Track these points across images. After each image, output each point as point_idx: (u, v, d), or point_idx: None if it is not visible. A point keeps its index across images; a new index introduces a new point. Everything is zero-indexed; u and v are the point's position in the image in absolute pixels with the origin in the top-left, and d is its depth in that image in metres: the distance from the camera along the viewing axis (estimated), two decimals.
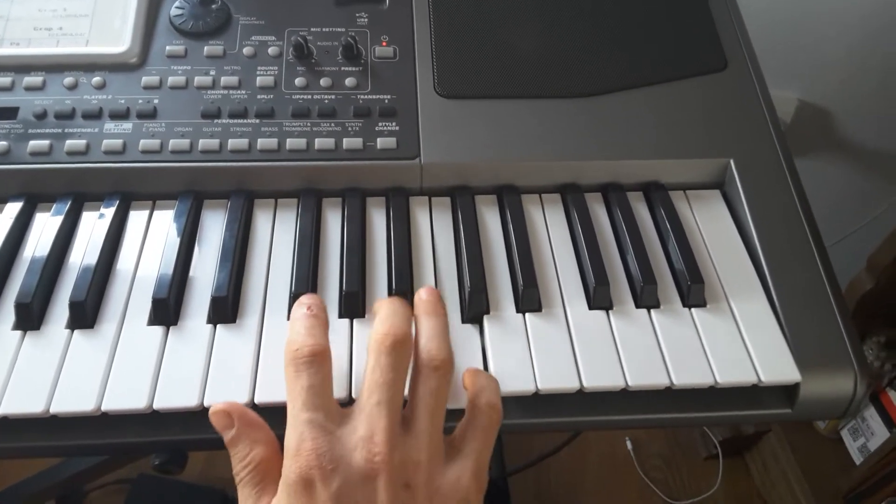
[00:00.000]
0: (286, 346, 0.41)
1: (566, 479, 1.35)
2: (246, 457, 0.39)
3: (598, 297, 0.52)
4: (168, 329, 0.48)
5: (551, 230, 0.57)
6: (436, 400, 0.40)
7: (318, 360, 0.40)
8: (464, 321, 0.51)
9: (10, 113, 0.56)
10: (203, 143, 0.55)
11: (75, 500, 1.24)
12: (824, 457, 1.27)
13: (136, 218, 0.55)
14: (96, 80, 0.58)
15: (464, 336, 0.50)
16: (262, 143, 0.56)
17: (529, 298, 0.51)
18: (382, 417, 0.38)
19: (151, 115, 0.57)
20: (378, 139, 0.57)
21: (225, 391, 0.45)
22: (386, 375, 0.40)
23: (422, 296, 0.46)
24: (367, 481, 0.36)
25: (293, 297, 0.50)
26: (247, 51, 0.61)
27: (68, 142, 0.55)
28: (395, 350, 0.40)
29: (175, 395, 0.45)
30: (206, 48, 0.60)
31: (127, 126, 0.56)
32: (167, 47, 0.60)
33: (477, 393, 0.42)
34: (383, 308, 0.43)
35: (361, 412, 0.39)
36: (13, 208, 0.54)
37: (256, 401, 0.45)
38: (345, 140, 0.57)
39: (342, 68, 0.61)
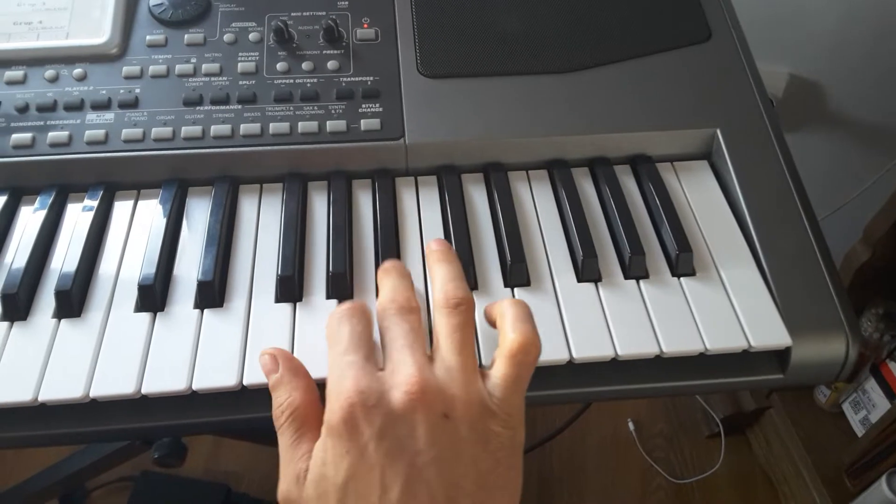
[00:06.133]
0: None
1: (568, 461, 1.35)
2: (285, 401, 0.40)
3: (587, 270, 0.52)
4: (155, 315, 0.48)
5: (539, 205, 0.57)
6: (461, 335, 0.40)
7: (358, 311, 0.42)
8: None
9: None
10: (186, 130, 0.55)
11: (78, 498, 1.24)
12: (826, 430, 1.27)
13: (121, 207, 0.55)
14: (77, 71, 0.58)
15: None
16: (244, 128, 0.56)
17: (518, 273, 0.51)
18: (410, 356, 0.38)
19: (133, 104, 0.56)
20: (362, 121, 0.57)
21: (213, 374, 0.45)
22: (403, 326, 0.40)
23: (432, 247, 0.47)
24: (407, 416, 0.36)
25: (279, 281, 0.50)
26: (227, 37, 0.60)
27: (51, 134, 0.55)
28: (403, 312, 0.41)
29: (163, 380, 0.45)
30: (186, 36, 0.60)
31: (109, 116, 0.56)
32: (147, 37, 0.60)
33: (499, 317, 0.42)
34: (385, 283, 0.44)
35: (391, 359, 0.39)
36: None
37: (245, 383, 0.45)
38: (328, 123, 0.56)
39: (324, 51, 0.60)
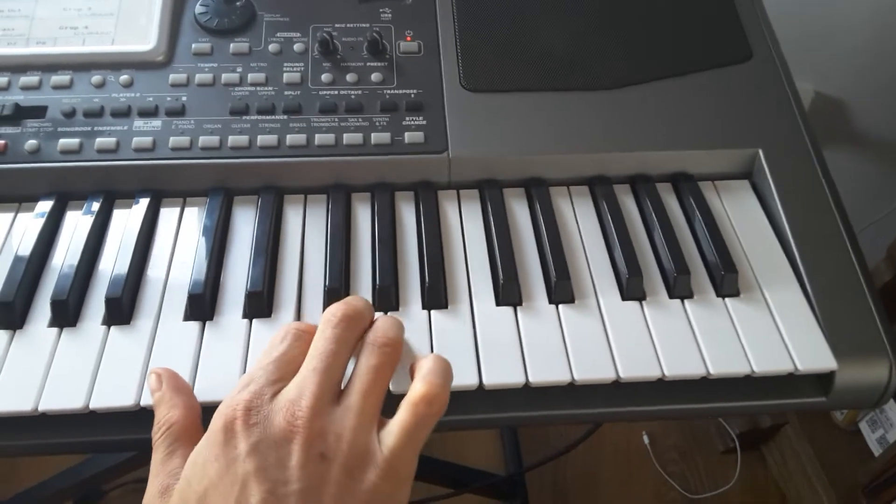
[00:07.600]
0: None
1: (583, 474, 1.35)
2: (162, 417, 0.40)
3: (631, 288, 0.52)
4: (204, 324, 0.48)
5: (581, 222, 0.57)
6: (374, 378, 0.39)
7: (304, 336, 0.41)
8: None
9: (38, 111, 0.56)
10: (232, 139, 0.56)
11: (93, 500, 1.24)
12: (842, 449, 1.26)
13: (168, 215, 0.55)
14: (124, 78, 0.58)
15: (498, 316, 0.50)
16: (290, 139, 0.56)
17: (563, 290, 0.51)
18: (312, 384, 0.37)
19: (180, 112, 0.57)
20: (406, 133, 0.57)
21: None
22: (328, 346, 0.39)
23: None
24: (283, 442, 0.35)
25: (327, 292, 0.50)
26: (272, 47, 0.61)
27: (98, 140, 0.55)
28: (343, 323, 0.41)
29: (215, 390, 0.45)
30: (231, 45, 0.60)
31: (156, 123, 0.56)
32: (193, 45, 0.60)
33: (418, 369, 0.41)
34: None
35: (298, 375, 0.39)
36: (44, 206, 0.54)
37: None
38: (373, 135, 0.57)
39: (368, 63, 0.61)
